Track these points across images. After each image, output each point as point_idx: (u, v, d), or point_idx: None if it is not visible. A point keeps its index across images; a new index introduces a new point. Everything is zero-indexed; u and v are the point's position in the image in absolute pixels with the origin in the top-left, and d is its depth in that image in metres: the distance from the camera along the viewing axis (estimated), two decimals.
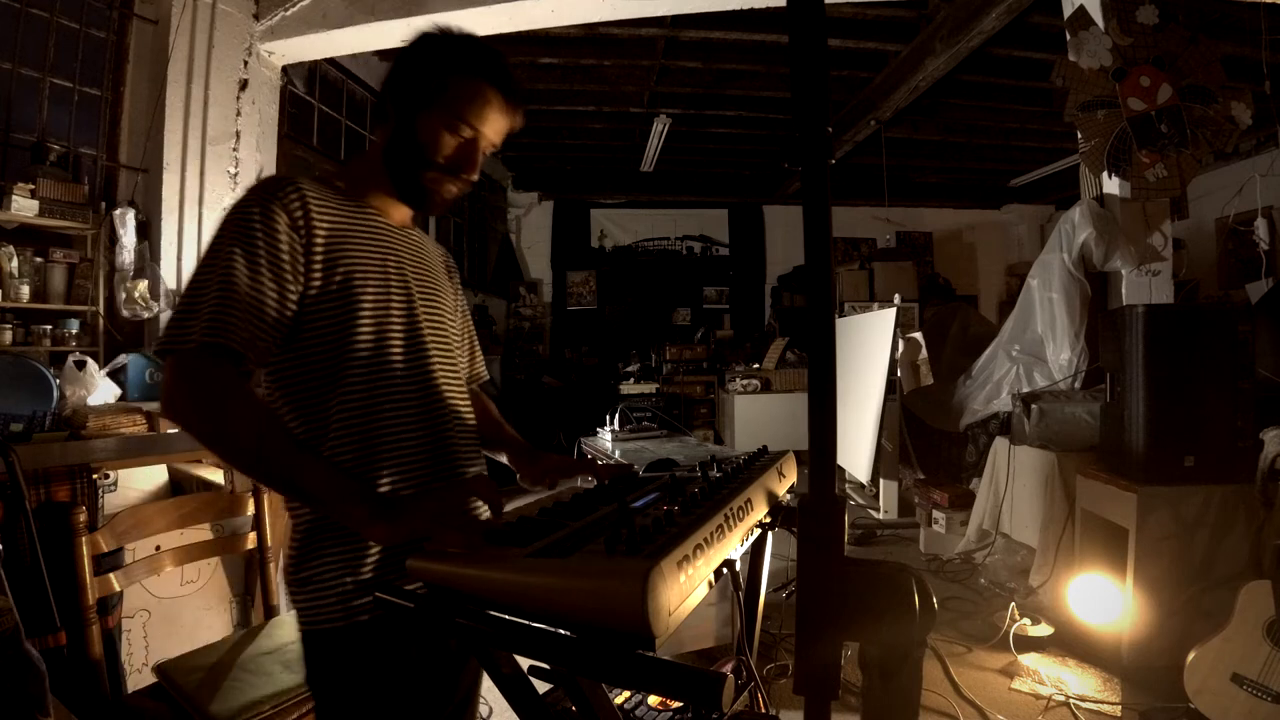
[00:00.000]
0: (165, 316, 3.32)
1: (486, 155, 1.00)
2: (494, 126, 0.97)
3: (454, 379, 1.04)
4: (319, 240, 0.88)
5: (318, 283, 0.88)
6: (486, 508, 0.88)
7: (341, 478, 0.81)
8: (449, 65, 0.94)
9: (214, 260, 0.83)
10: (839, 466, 2.44)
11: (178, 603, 1.95)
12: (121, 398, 2.94)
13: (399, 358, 0.94)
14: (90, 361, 2.82)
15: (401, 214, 1.04)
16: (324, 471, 0.81)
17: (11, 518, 1.39)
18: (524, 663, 0.65)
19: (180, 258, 3.41)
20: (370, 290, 0.92)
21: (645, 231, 7.96)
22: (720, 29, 4.30)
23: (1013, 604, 2.49)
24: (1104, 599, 2.32)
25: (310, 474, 0.80)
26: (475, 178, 0.99)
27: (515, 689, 0.68)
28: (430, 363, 0.98)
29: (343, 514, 0.80)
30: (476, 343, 1.22)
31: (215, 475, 2.25)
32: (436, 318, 1.03)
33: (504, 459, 1.15)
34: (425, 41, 0.98)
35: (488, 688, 2.28)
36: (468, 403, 1.07)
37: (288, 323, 0.86)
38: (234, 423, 0.79)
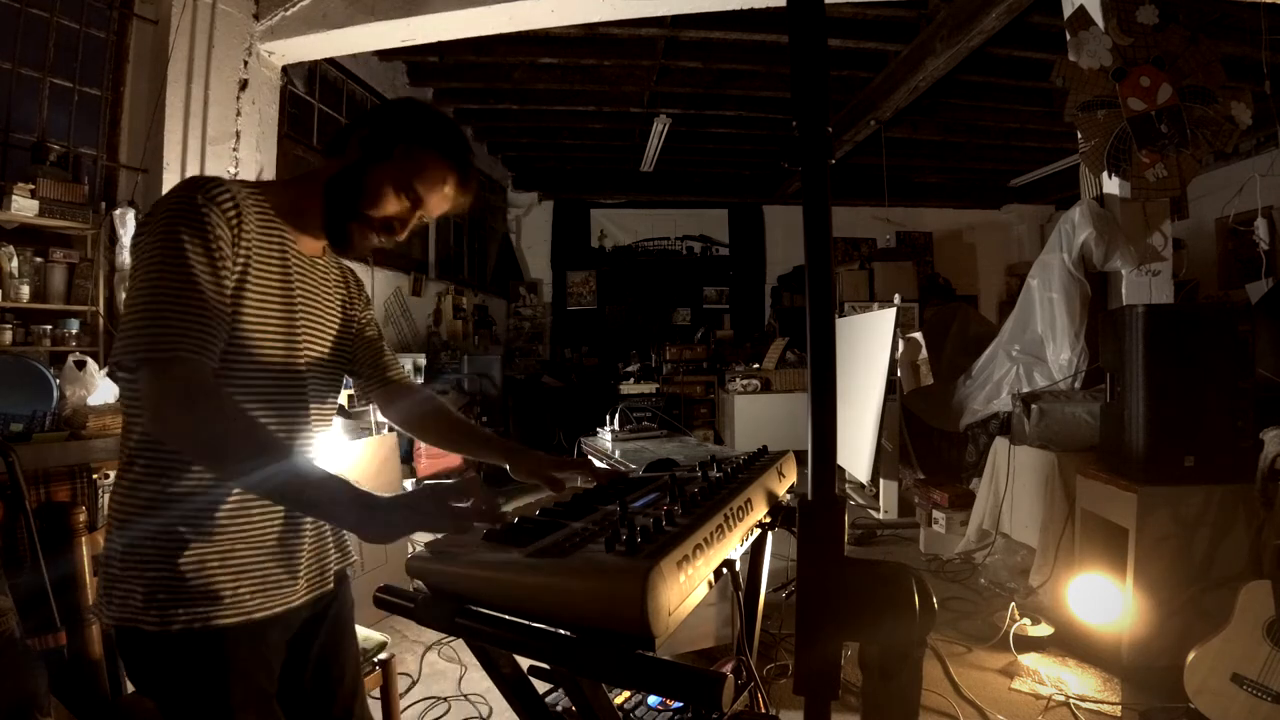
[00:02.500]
0: None
1: (417, 224, 1.01)
2: (437, 202, 0.99)
3: (322, 418, 1.04)
4: (240, 251, 0.88)
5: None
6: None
7: (333, 481, 0.80)
8: (425, 136, 0.96)
9: (174, 261, 0.81)
10: (839, 466, 2.44)
11: None
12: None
13: (267, 379, 0.93)
14: (90, 361, 2.82)
15: (314, 245, 1.04)
16: (316, 477, 0.80)
17: (11, 518, 1.39)
18: (524, 663, 0.65)
19: None
20: (256, 309, 0.91)
21: (645, 231, 7.96)
22: (720, 29, 4.30)
23: (1013, 604, 2.49)
24: (1104, 599, 2.32)
25: (304, 482, 0.79)
26: (400, 239, 1.01)
27: (515, 689, 0.68)
28: (304, 394, 0.99)
29: (335, 517, 0.80)
30: (384, 352, 1.19)
31: None
32: (319, 349, 1.03)
33: (493, 458, 1.13)
34: (406, 105, 1.00)
35: (488, 688, 2.28)
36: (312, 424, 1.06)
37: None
38: (233, 438, 0.79)
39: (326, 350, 1.06)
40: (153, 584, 0.85)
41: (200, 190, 0.86)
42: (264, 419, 0.92)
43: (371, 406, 1.16)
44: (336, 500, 0.79)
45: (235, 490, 0.89)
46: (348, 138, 0.99)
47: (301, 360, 0.99)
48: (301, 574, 0.97)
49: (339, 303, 1.11)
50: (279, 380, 0.95)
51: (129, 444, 0.90)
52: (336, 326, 1.09)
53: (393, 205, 0.96)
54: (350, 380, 1.20)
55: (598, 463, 1.15)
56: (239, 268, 0.88)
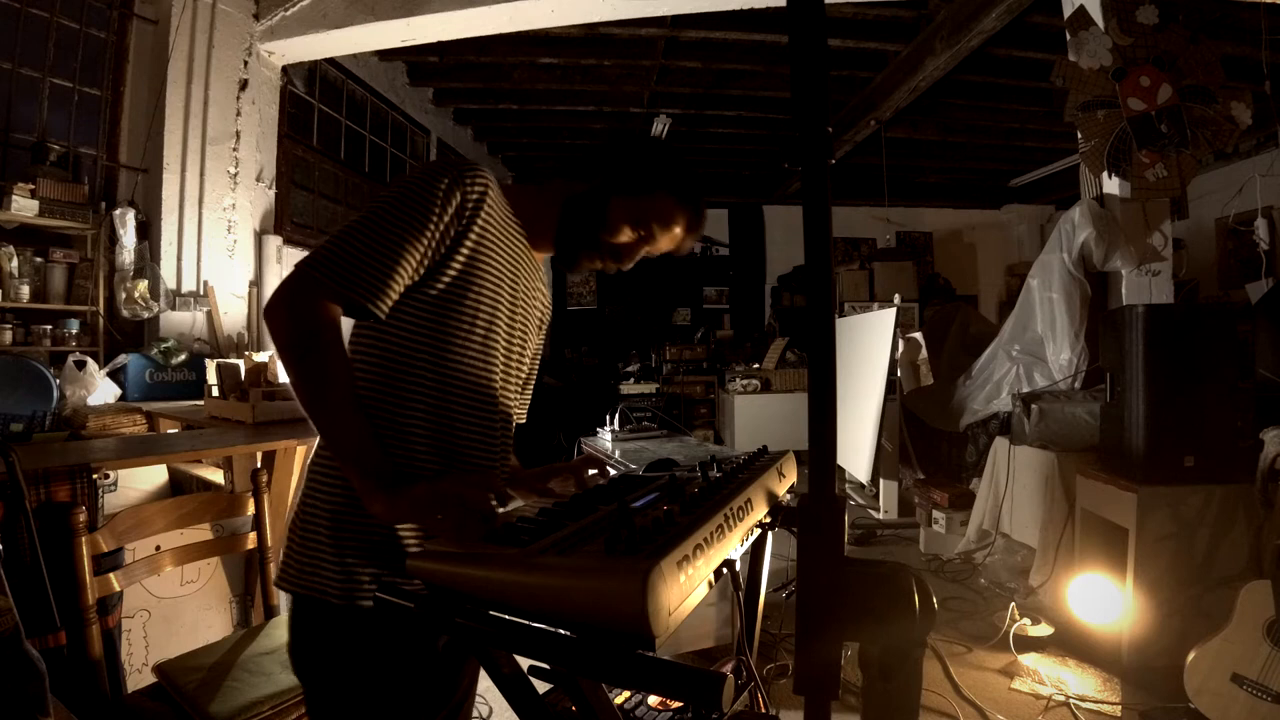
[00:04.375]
0: (165, 316, 3.32)
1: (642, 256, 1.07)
2: (666, 242, 1.05)
3: (513, 401, 1.09)
4: (473, 235, 0.92)
5: (454, 270, 0.92)
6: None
7: (372, 446, 0.84)
8: (668, 180, 1.01)
9: (389, 213, 0.87)
10: (839, 466, 2.44)
11: (178, 603, 1.95)
12: (121, 398, 2.94)
13: (484, 366, 0.98)
14: (90, 361, 2.82)
15: (544, 248, 1.09)
16: (360, 434, 0.84)
17: (11, 518, 1.39)
18: (524, 663, 0.65)
19: (180, 257, 3.41)
20: (488, 298, 0.96)
21: None
22: (720, 29, 4.30)
23: (1013, 604, 2.49)
24: (1104, 599, 2.32)
25: (349, 430, 0.83)
26: (623, 268, 1.07)
27: (515, 689, 0.68)
28: (508, 380, 1.04)
29: (353, 476, 0.83)
30: (531, 384, 1.24)
31: (215, 475, 2.26)
32: (521, 348, 1.08)
33: None
34: (657, 144, 1.07)
35: (487, 687, 2.28)
36: (511, 428, 1.11)
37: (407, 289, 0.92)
38: (315, 356, 0.83)
39: (525, 352, 1.10)
40: (345, 553, 0.88)
41: (452, 168, 0.91)
42: (477, 400, 0.97)
43: None
44: (363, 463, 0.82)
45: (435, 461, 0.93)
46: (597, 164, 1.03)
47: (513, 353, 1.03)
48: None
49: (541, 311, 1.15)
50: (490, 365, 0.98)
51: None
52: (537, 334, 1.15)
53: (625, 236, 1.02)
54: None
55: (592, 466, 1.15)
56: (467, 245, 0.92)
